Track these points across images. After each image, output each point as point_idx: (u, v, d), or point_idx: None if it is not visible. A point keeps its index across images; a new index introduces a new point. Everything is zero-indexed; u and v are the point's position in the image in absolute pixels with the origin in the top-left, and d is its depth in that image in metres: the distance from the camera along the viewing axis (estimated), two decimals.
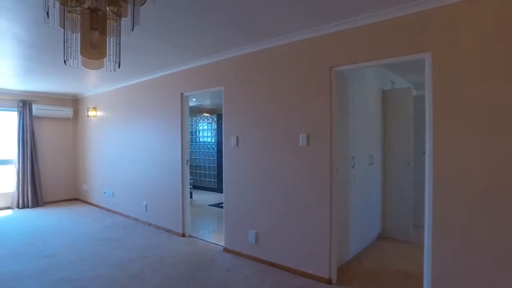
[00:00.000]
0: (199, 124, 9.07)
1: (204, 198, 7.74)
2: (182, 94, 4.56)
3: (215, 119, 8.60)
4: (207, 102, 8.24)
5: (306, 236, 3.20)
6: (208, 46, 3.60)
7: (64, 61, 1.19)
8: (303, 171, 3.22)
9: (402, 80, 5.24)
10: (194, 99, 7.48)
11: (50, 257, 3.72)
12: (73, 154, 7.39)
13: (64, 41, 1.15)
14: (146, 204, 5.21)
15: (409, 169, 4.29)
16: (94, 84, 5.98)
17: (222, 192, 4.30)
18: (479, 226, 2.27)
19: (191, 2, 2.48)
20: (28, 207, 6.47)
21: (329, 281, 3.04)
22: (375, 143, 4.29)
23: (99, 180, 6.56)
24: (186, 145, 4.60)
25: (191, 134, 9.19)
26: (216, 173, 8.56)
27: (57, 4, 1.10)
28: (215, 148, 8.60)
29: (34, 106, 6.57)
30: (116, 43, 1.27)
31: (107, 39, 1.23)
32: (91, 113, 6.64)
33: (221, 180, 4.03)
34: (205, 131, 8.94)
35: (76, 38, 1.16)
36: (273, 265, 3.45)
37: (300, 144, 3.23)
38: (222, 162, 3.99)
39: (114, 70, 1.35)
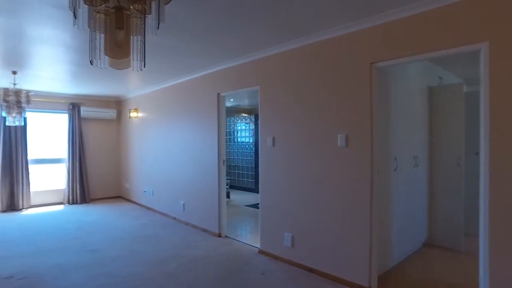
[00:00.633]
0: (237, 124, 9.11)
1: (242, 198, 7.75)
2: (218, 94, 4.57)
3: (253, 119, 8.58)
4: (245, 102, 8.26)
5: (344, 241, 3.04)
6: (244, 45, 3.56)
7: (90, 61, 1.20)
8: (342, 173, 3.06)
9: (452, 75, 4.84)
10: (232, 99, 7.52)
11: (93, 252, 3.90)
12: (117, 154, 7.75)
13: (90, 41, 1.15)
14: (183, 204, 5.30)
15: (460, 171, 3.94)
16: (136, 86, 6.21)
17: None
18: None
19: (226, 1, 2.44)
20: (77, 203, 6.89)
21: None
22: (420, 144, 3.99)
23: (140, 179, 6.80)
24: (222, 145, 4.61)
25: (229, 134, 9.25)
26: (253, 173, 8.54)
27: (84, 5, 1.10)
28: (253, 148, 8.59)
29: (82, 108, 6.98)
30: (141, 42, 1.25)
31: (132, 38, 1.22)
32: (133, 114, 6.91)
33: (259, 180, 3.97)
34: (243, 131, 8.96)
35: (101, 38, 1.16)
36: (309, 269, 3.33)
37: (339, 144, 3.08)
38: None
39: (140, 70, 1.33)
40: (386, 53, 2.74)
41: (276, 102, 3.71)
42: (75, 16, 1.12)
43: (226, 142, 9.11)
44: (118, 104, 7.71)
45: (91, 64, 1.23)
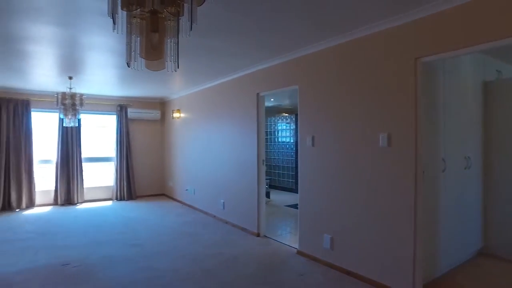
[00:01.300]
0: (278, 124, 9.08)
1: (282, 198, 7.72)
2: (258, 94, 4.58)
3: (294, 119, 8.51)
4: (285, 102, 8.21)
5: (386, 245, 2.89)
6: (284, 44, 3.53)
7: (127, 63, 1.25)
8: (383, 174, 2.92)
9: None
10: (272, 99, 7.51)
11: (138, 247, 4.10)
12: (161, 153, 8.09)
13: (126, 44, 1.20)
14: (223, 203, 5.39)
15: None
16: (178, 88, 6.44)
17: None
18: None
19: (263, 0, 2.43)
20: (124, 199, 7.30)
21: None
22: (473, 143, 3.69)
23: (182, 178, 7.04)
24: (262, 145, 4.62)
25: (270, 134, 9.26)
26: (294, 173, 8.47)
27: (122, 11, 1.15)
28: (293, 148, 8.51)
29: (129, 110, 7.38)
30: (174, 43, 1.28)
31: (166, 40, 1.25)
32: (176, 114, 7.16)
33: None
34: (284, 131, 8.92)
35: (137, 41, 1.21)
36: (348, 273, 3.22)
37: (380, 144, 2.94)
38: None
39: (175, 71, 1.36)
40: (433, 46, 2.56)
41: (315, 101, 3.64)
42: (114, 22, 1.17)
43: (267, 142, 9.13)
44: (162, 105, 8.04)
45: (128, 66, 1.29)
